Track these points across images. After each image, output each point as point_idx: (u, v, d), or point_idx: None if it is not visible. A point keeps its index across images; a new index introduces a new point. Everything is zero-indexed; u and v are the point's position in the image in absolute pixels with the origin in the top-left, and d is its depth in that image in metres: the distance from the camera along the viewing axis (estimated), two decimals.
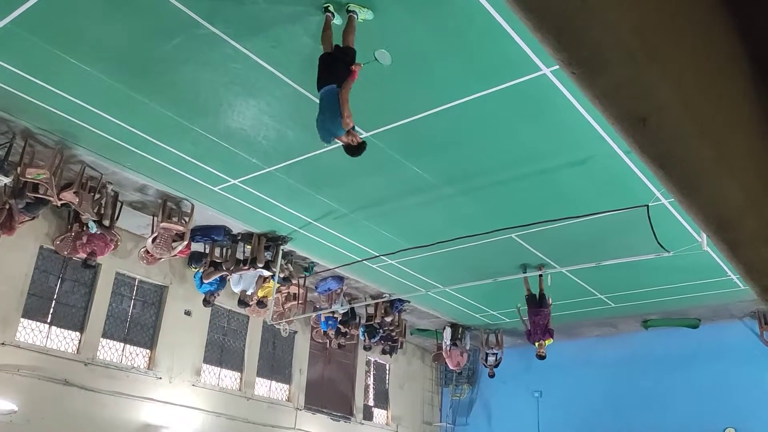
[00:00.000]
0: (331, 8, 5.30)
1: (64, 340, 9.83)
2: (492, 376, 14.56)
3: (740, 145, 1.52)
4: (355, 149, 5.42)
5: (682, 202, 1.60)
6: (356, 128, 5.60)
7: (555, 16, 1.09)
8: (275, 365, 13.22)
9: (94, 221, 8.68)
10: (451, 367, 14.81)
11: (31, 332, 9.46)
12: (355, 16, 5.34)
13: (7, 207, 8.11)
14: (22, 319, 9.30)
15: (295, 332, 13.49)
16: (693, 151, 1.41)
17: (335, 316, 12.43)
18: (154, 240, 9.27)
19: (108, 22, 5.59)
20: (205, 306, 10.74)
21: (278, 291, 10.98)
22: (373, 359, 15.68)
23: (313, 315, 12.69)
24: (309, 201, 8.95)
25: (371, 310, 12.92)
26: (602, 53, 1.15)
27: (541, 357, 11.16)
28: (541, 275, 10.49)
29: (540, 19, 1.11)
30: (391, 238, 9.90)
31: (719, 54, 1.39)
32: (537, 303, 10.92)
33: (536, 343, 10.99)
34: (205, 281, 10.25)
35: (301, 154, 7.71)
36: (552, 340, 11.00)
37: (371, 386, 15.65)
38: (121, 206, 9.24)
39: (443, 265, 10.86)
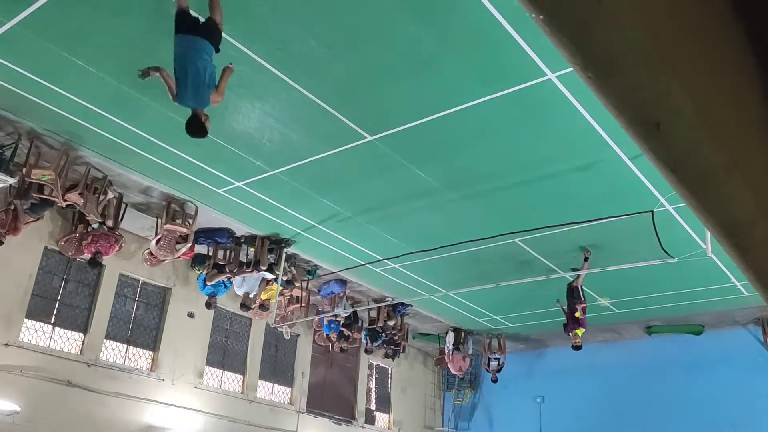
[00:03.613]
0: None
1: (68, 341, 9.84)
2: (495, 380, 14.55)
3: (754, 149, 1.52)
4: (197, 127, 5.05)
5: (694, 206, 1.60)
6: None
7: (570, 19, 1.09)
8: (277, 368, 13.22)
9: (98, 222, 8.71)
10: (453, 372, 14.78)
11: (35, 333, 9.47)
12: None
13: (12, 208, 8.15)
14: (25, 320, 9.32)
15: (298, 335, 13.48)
16: (706, 156, 1.40)
17: (338, 319, 12.43)
18: (157, 242, 9.28)
19: (114, 24, 5.61)
20: (207, 308, 10.75)
21: (281, 294, 10.98)
22: (375, 363, 15.67)
23: (316, 318, 12.69)
24: (313, 204, 8.96)
25: (374, 314, 12.90)
26: (618, 56, 1.15)
27: (576, 347, 10.90)
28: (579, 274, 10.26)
29: (555, 22, 1.11)
30: (395, 242, 9.90)
31: (732, 58, 1.39)
32: (572, 295, 10.74)
33: (570, 333, 10.84)
34: (209, 283, 10.26)
35: (305, 157, 7.71)
36: (584, 330, 10.77)
37: (373, 390, 15.64)
38: (125, 208, 9.25)
39: (446, 270, 10.85)
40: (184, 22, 4.90)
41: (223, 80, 5.05)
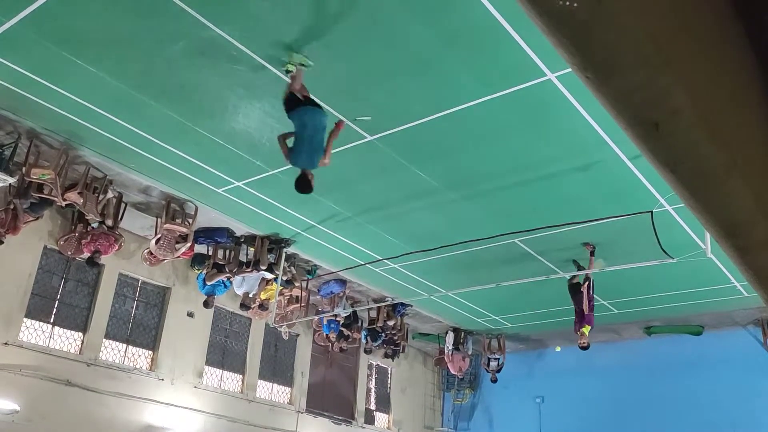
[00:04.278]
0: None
1: (67, 340, 9.84)
2: (494, 381, 14.54)
3: (752, 149, 1.51)
4: (306, 185, 5.70)
5: (693, 207, 1.59)
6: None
7: (570, 20, 1.09)
8: (277, 368, 13.21)
9: (98, 221, 8.71)
10: (452, 372, 14.78)
11: (34, 332, 9.46)
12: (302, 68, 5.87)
13: (12, 207, 8.14)
14: (25, 319, 9.31)
15: (297, 335, 13.48)
16: (705, 156, 1.40)
17: (337, 319, 12.42)
18: (157, 241, 9.28)
19: (114, 23, 5.60)
20: (205, 307, 10.73)
21: (281, 294, 10.97)
22: (375, 363, 15.66)
23: (316, 318, 12.68)
24: (312, 204, 8.95)
25: (374, 314, 12.90)
26: (617, 57, 1.15)
27: (583, 347, 10.60)
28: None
29: (555, 23, 1.10)
30: (395, 242, 9.89)
31: (731, 58, 1.39)
32: (573, 290, 10.58)
33: (577, 333, 10.68)
34: (208, 283, 10.25)
35: None
36: (590, 328, 10.48)
37: (373, 390, 15.63)
38: (125, 207, 9.25)
39: (446, 270, 10.85)
40: (300, 99, 5.73)
41: (330, 145, 5.72)
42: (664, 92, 1.22)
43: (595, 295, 10.56)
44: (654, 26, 1.12)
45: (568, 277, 10.27)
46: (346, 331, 12.57)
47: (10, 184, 7.83)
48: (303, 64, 5.79)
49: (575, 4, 1.07)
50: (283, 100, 5.75)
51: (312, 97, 5.90)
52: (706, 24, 1.24)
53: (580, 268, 10.02)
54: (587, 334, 10.44)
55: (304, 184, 5.70)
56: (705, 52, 1.26)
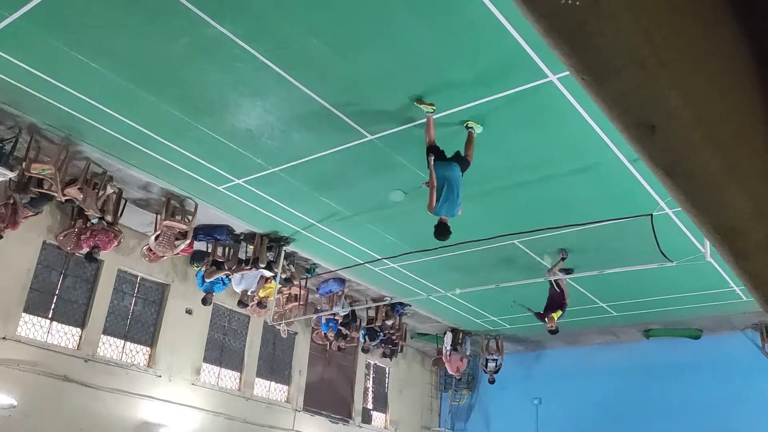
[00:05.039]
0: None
1: (65, 335, 9.84)
2: (492, 382, 14.53)
3: (749, 152, 1.51)
4: (447, 232, 6.22)
5: (689, 210, 1.59)
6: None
7: (566, 21, 1.08)
8: (275, 366, 13.21)
9: (98, 217, 8.71)
10: (450, 372, 14.76)
11: (32, 327, 9.47)
12: (472, 131, 6.62)
13: (12, 202, 8.13)
14: (23, 314, 9.32)
15: (296, 333, 13.48)
16: (702, 159, 1.40)
17: (336, 318, 12.42)
18: (157, 238, 9.28)
19: (117, 19, 5.60)
20: (203, 304, 10.72)
21: (279, 292, 10.97)
22: (372, 362, 15.66)
23: (314, 317, 12.67)
24: (312, 202, 8.95)
25: (372, 313, 12.90)
26: (613, 59, 1.14)
27: (552, 331, 10.52)
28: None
29: (551, 24, 1.10)
30: (394, 242, 9.89)
31: (729, 60, 1.39)
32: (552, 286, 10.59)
33: (545, 319, 10.50)
34: (207, 280, 10.25)
35: (305, 156, 7.71)
36: (561, 313, 10.40)
37: (370, 389, 15.63)
38: (125, 203, 9.25)
39: (445, 270, 10.84)
40: (440, 151, 6.32)
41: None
42: (660, 94, 1.21)
43: (593, 297, 10.60)
44: (650, 27, 1.11)
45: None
46: (344, 330, 12.56)
47: (10, 178, 7.82)
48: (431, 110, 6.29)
49: (577, 2, 1.06)
50: (427, 152, 6.28)
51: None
52: (704, 25, 1.23)
53: (565, 269, 10.10)
54: (556, 319, 10.37)
55: (444, 231, 6.22)
56: (703, 54, 1.25)
